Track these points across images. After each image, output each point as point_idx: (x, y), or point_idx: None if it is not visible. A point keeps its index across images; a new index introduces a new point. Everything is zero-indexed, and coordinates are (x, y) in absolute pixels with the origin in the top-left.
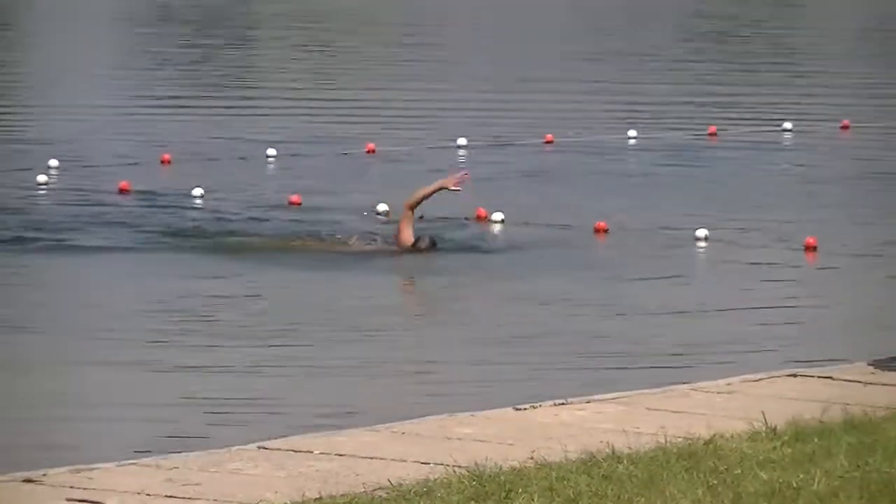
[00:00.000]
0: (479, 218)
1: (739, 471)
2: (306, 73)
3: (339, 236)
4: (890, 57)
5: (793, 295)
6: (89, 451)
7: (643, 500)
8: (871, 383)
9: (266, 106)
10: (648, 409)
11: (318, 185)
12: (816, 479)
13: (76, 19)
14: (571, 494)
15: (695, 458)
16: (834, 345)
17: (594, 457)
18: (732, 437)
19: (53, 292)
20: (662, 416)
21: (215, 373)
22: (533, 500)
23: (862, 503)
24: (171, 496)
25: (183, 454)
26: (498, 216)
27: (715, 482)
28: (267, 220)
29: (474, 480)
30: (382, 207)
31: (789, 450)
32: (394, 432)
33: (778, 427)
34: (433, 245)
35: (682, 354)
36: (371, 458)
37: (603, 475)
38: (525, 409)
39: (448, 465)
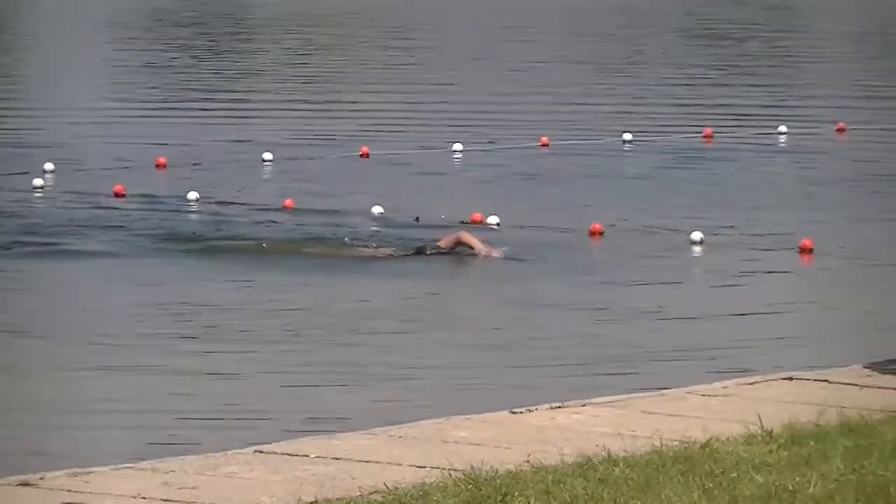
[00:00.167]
0: (474, 222)
1: (735, 474)
2: (301, 77)
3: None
4: (886, 60)
5: (789, 297)
6: (85, 454)
7: (639, 503)
8: (867, 386)
9: (261, 109)
10: (644, 412)
11: (314, 188)
12: (812, 483)
13: (71, 22)
14: (567, 498)
15: (691, 461)
16: (830, 347)
17: (590, 460)
18: (728, 440)
19: (48, 297)
20: (658, 419)
21: (211, 377)
22: (529, 503)
23: None
24: (167, 500)
25: (179, 458)
26: (493, 220)
27: (711, 485)
28: (262, 223)
29: (470, 484)
30: (378, 210)
31: (785, 453)
32: (390, 436)
33: (774, 430)
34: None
35: (677, 358)
36: (367, 461)
37: (599, 478)
38: (521, 412)
39: (444, 469)
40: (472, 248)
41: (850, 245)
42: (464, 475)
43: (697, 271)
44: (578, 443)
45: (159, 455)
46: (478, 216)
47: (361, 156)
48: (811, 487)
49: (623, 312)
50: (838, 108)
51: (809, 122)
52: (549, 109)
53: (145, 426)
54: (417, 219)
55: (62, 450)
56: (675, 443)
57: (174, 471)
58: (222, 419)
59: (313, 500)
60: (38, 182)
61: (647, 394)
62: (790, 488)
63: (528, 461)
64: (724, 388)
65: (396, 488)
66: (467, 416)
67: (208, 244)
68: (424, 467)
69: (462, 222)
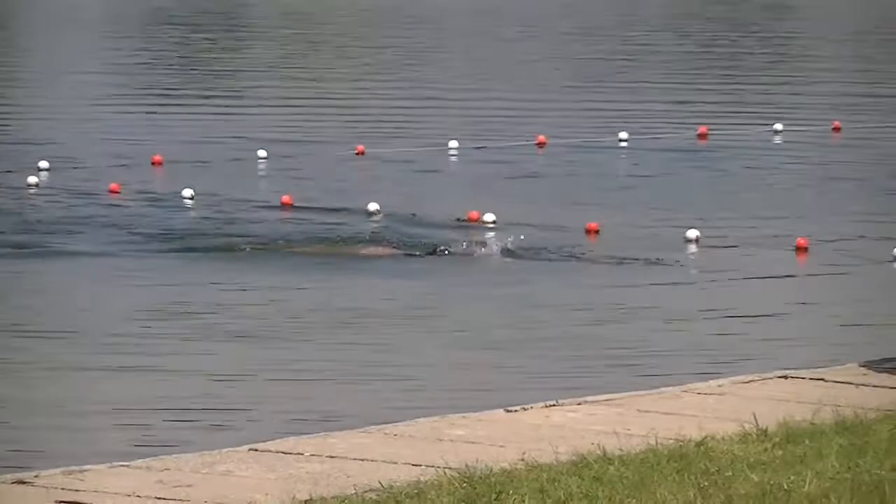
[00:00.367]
0: (471, 220)
1: (730, 472)
2: (297, 74)
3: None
4: (881, 58)
5: (783, 296)
6: (81, 453)
7: (634, 501)
8: (862, 384)
9: (256, 107)
10: (639, 410)
11: (309, 186)
12: (807, 481)
13: (67, 20)
14: (562, 496)
15: (686, 459)
16: (825, 346)
17: (585, 458)
18: (723, 438)
19: (43, 295)
20: (653, 417)
21: (206, 375)
22: (524, 501)
23: None
24: (161, 498)
25: (174, 456)
26: (490, 217)
27: (706, 484)
28: (258, 221)
29: (465, 482)
30: (373, 207)
31: (780, 451)
32: (385, 434)
33: (769, 429)
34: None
35: (673, 356)
36: (362, 459)
37: (594, 477)
38: (516, 410)
39: (439, 467)
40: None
41: (845, 243)
42: (459, 473)
43: (692, 269)
44: (573, 441)
45: (154, 453)
46: (474, 214)
47: (357, 153)
48: (806, 486)
49: (618, 311)
50: (834, 106)
51: (804, 121)
52: (545, 108)
53: (140, 424)
54: (414, 214)
55: (57, 448)
56: (671, 441)
57: (169, 469)
58: (217, 417)
59: (308, 498)
60: (32, 180)
61: (642, 392)
62: (785, 487)
63: (523, 459)
64: (720, 386)
65: (391, 486)
66: (463, 415)
67: (204, 242)
68: (420, 465)
69: (458, 220)
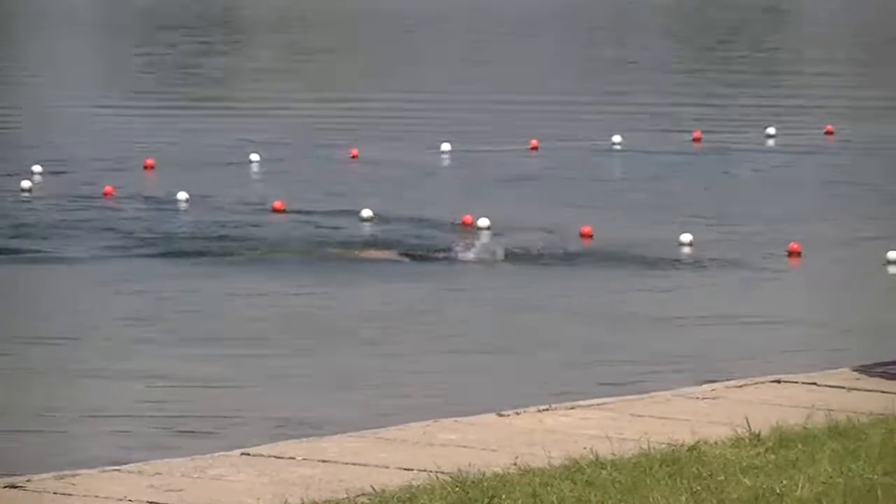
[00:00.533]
0: (465, 224)
1: (723, 477)
2: (290, 78)
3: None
4: (873, 63)
5: (776, 300)
6: (72, 457)
7: None
8: (855, 389)
9: (249, 111)
10: (632, 415)
11: (302, 189)
12: (800, 485)
13: (59, 23)
14: (555, 500)
15: (678, 464)
16: (818, 350)
17: (577, 463)
18: (716, 443)
19: (36, 300)
20: (646, 422)
21: (198, 380)
22: None
23: None
24: (153, 502)
25: (166, 460)
26: (484, 223)
27: (698, 488)
28: (251, 225)
29: (457, 487)
30: (367, 213)
31: (773, 456)
32: (377, 438)
33: (762, 433)
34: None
35: (665, 360)
36: (354, 464)
37: (586, 481)
38: (508, 415)
39: (431, 472)
40: None
41: (838, 248)
42: (451, 478)
43: (686, 273)
44: (566, 445)
45: (146, 458)
46: (468, 218)
47: (351, 157)
48: (798, 490)
49: (611, 315)
50: (826, 110)
51: (798, 125)
52: (538, 111)
53: (133, 429)
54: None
55: (49, 452)
56: (663, 445)
57: (161, 473)
58: (209, 422)
59: (300, 502)
60: (26, 184)
61: (634, 396)
62: (777, 491)
63: (515, 464)
64: (712, 390)
65: (383, 491)
66: (455, 419)
67: (196, 246)
68: (412, 470)
69: (452, 224)
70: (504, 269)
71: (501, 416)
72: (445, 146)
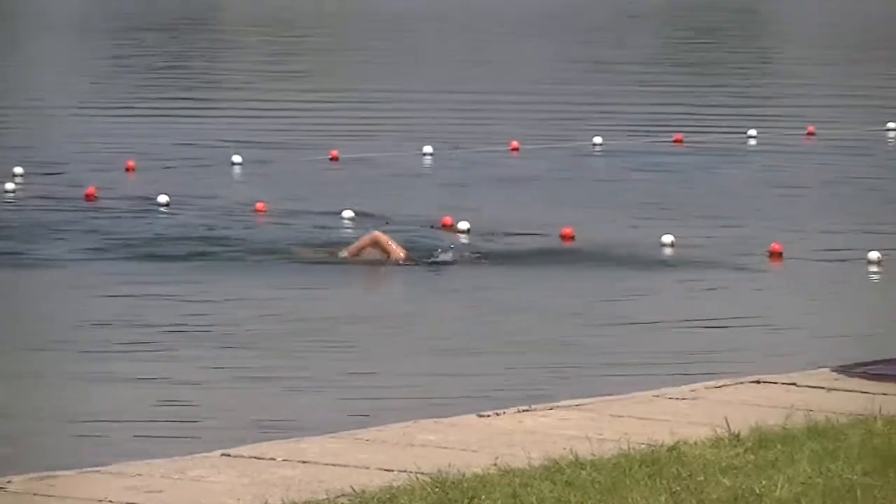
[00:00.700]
0: (445, 226)
1: (702, 477)
2: (271, 79)
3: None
4: (854, 63)
5: (757, 301)
6: (52, 459)
7: None
8: (834, 389)
9: (231, 112)
10: (612, 415)
11: (284, 191)
12: (779, 486)
13: (40, 25)
14: (534, 501)
15: (658, 464)
16: (798, 351)
17: (557, 463)
18: (695, 443)
19: (17, 302)
20: (626, 422)
21: (178, 381)
22: None
23: None
24: (132, 503)
25: (146, 461)
26: (464, 224)
27: (678, 489)
28: (232, 227)
29: (437, 487)
30: (348, 214)
31: (752, 456)
32: (357, 439)
33: (741, 433)
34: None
35: (646, 361)
36: (334, 464)
37: (566, 482)
38: (488, 416)
39: (411, 472)
40: (386, 251)
41: (819, 249)
42: (431, 478)
43: (667, 275)
44: (546, 446)
45: (126, 459)
46: (448, 220)
47: (331, 159)
48: (778, 490)
49: (592, 316)
50: (808, 110)
51: (779, 126)
52: (519, 112)
53: (112, 430)
54: (387, 222)
55: (28, 454)
56: (643, 446)
57: (140, 474)
58: (189, 423)
59: (280, 503)
60: (8, 186)
61: (614, 397)
62: (757, 491)
63: (495, 464)
64: (692, 391)
65: (363, 491)
66: (435, 420)
67: (178, 248)
68: (392, 471)
69: (432, 226)
70: (484, 271)
71: (481, 416)
72: (427, 148)
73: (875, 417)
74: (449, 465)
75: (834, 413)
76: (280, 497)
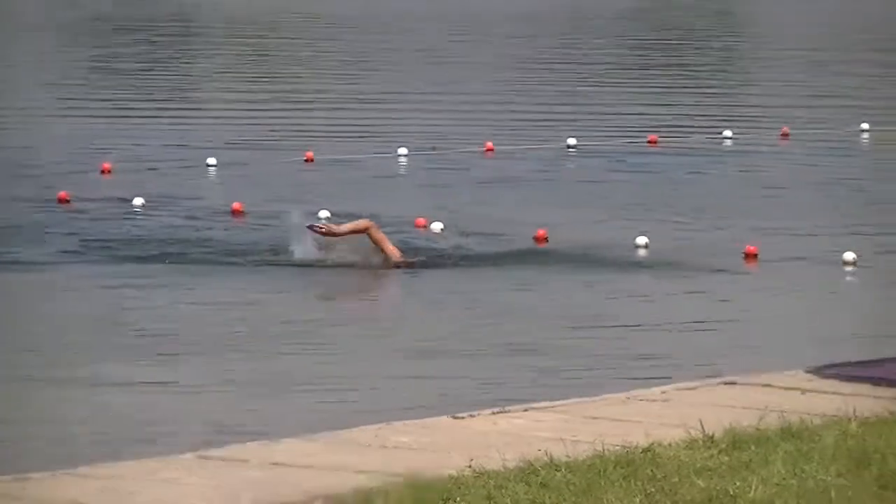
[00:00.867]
0: (418, 226)
1: (677, 478)
2: (246, 81)
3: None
4: (828, 65)
5: (731, 302)
6: (24, 461)
7: None
8: (808, 391)
9: (206, 114)
10: (586, 417)
11: (259, 193)
12: (753, 487)
13: (13, 26)
14: (509, 503)
15: (632, 466)
16: (773, 352)
17: (532, 465)
18: (670, 445)
19: None
20: (600, 424)
21: (150, 384)
22: None
23: None
24: None
25: (118, 462)
26: (437, 225)
27: (652, 490)
28: (208, 229)
29: (411, 489)
30: (324, 214)
31: (726, 457)
32: (330, 441)
33: (715, 435)
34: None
35: (620, 362)
36: (307, 466)
37: (541, 483)
38: (463, 417)
39: (385, 474)
40: (381, 248)
41: (794, 250)
42: (405, 480)
43: (641, 276)
44: (520, 448)
45: (98, 461)
46: (422, 221)
47: (306, 160)
48: (752, 492)
49: (566, 318)
50: (782, 111)
51: (754, 127)
52: (493, 114)
53: (84, 433)
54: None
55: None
56: (617, 448)
57: (113, 476)
58: (162, 426)
59: None
60: None
61: (589, 399)
62: (731, 493)
63: (470, 466)
64: (666, 392)
65: (336, 494)
66: (409, 422)
67: (153, 250)
68: (365, 472)
69: (406, 227)
70: (457, 273)
71: (456, 418)
72: (402, 150)
73: (849, 419)
74: (423, 467)
75: (808, 414)
76: (252, 499)
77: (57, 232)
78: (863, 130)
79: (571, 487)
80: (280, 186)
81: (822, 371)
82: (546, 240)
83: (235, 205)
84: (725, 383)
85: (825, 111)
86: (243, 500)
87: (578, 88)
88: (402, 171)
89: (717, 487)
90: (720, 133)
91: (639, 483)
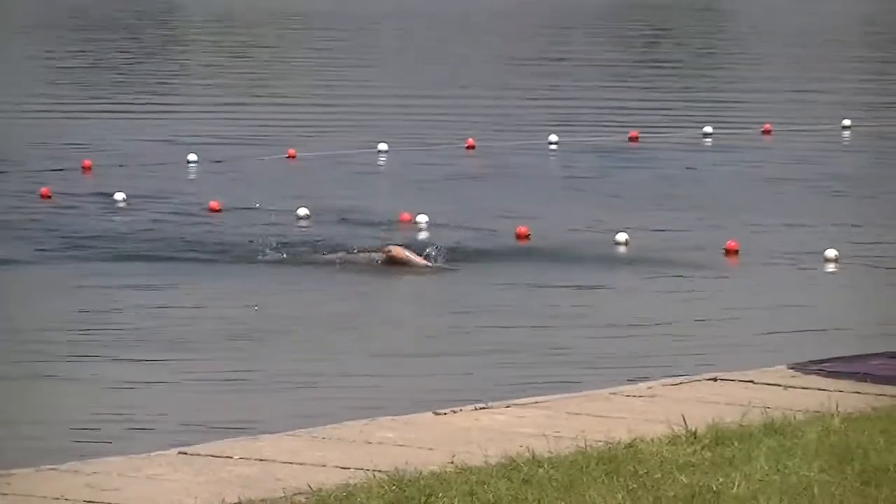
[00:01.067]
0: (402, 221)
1: (659, 475)
2: (227, 78)
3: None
4: (810, 61)
5: (713, 299)
6: (8, 457)
7: None
8: (791, 387)
9: (186, 111)
10: (569, 413)
11: (240, 190)
12: (736, 483)
13: None
14: (492, 499)
15: (615, 462)
16: (755, 348)
17: (514, 461)
18: (653, 441)
19: None
20: (583, 420)
21: (135, 381)
22: None
23: None
24: (89, 501)
25: (102, 459)
26: (422, 219)
27: (635, 486)
28: (188, 226)
29: (394, 485)
30: (303, 212)
31: (709, 453)
32: (314, 437)
33: (698, 431)
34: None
35: (602, 359)
36: (291, 462)
37: (523, 479)
38: (445, 413)
39: (368, 470)
40: (406, 264)
41: (775, 246)
42: (388, 476)
43: (622, 273)
44: (503, 444)
45: (82, 457)
46: (406, 216)
47: (288, 157)
48: (735, 488)
49: (548, 314)
50: (764, 107)
51: (735, 124)
52: (474, 110)
53: (68, 429)
54: (345, 219)
55: None
56: (600, 443)
57: (97, 472)
58: (145, 422)
59: (237, 501)
60: None
61: (571, 395)
62: (714, 489)
63: (452, 462)
64: (649, 388)
65: (320, 489)
66: (392, 417)
67: (133, 247)
68: (349, 468)
69: (388, 224)
70: (440, 269)
71: (438, 414)
72: (382, 146)
73: (832, 414)
74: (406, 463)
75: (791, 410)
76: (237, 495)
77: (38, 228)
78: (845, 127)
79: (554, 483)
80: (261, 182)
81: (804, 367)
82: (527, 237)
83: (213, 203)
84: (708, 379)
85: (807, 107)
86: (228, 495)
87: (560, 85)
88: (382, 168)
89: (700, 483)
90: (701, 129)
91: (621, 479)
